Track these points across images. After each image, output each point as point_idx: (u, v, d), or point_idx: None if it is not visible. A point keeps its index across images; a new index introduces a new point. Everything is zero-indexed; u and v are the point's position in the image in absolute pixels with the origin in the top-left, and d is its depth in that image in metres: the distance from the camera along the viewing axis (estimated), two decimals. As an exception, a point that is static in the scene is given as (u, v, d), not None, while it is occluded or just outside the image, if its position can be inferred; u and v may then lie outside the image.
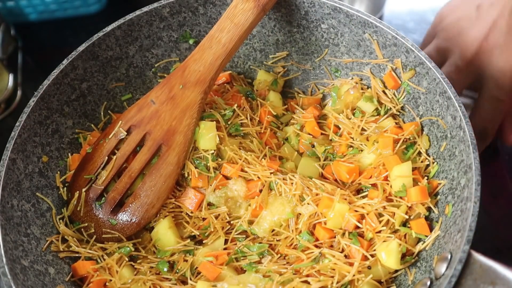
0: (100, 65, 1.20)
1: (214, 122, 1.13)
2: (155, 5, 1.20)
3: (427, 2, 1.83)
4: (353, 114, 1.20)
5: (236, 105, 1.18)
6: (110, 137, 1.14)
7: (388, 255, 0.99)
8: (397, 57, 1.13)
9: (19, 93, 1.55)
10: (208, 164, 1.11)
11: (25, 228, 1.02)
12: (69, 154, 1.17)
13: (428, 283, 0.93)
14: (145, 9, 1.20)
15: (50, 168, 1.13)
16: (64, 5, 1.69)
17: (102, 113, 1.24)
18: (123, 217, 1.10)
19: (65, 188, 1.14)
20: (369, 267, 1.01)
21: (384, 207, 1.04)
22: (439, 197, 1.05)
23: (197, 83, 1.12)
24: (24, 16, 1.72)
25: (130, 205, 1.10)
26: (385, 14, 1.79)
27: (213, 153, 1.11)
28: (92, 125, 1.23)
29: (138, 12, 1.19)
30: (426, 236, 1.02)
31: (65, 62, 1.14)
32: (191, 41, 1.28)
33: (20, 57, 1.64)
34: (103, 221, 1.11)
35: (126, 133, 1.13)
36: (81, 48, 1.15)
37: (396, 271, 1.03)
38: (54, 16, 1.73)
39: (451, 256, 0.90)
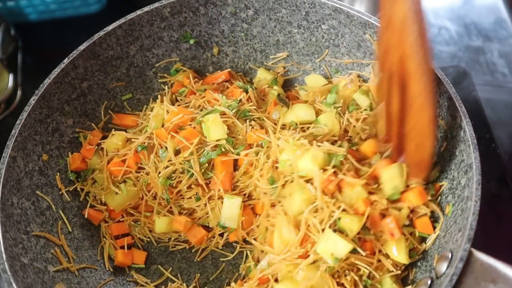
0: (101, 65, 1.20)
1: (217, 114, 1.13)
2: (156, 5, 1.20)
3: (427, 2, 1.83)
4: (348, 108, 1.20)
5: (241, 95, 1.19)
6: None
7: (399, 250, 0.98)
8: (397, 57, 1.14)
9: (19, 93, 1.55)
10: (227, 148, 1.12)
11: (24, 226, 1.02)
12: (69, 153, 1.17)
13: (429, 282, 0.93)
14: (146, 8, 1.20)
15: (50, 166, 1.13)
16: (64, 5, 1.69)
17: (102, 113, 1.24)
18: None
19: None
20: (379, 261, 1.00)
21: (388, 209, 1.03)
22: (439, 197, 1.05)
23: None
24: (24, 16, 1.71)
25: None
26: (385, 16, 1.79)
27: (226, 140, 1.12)
28: (93, 124, 1.22)
29: (139, 12, 1.19)
30: (429, 235, 1.02)
31: (66, 61, 1.14)
32: (191, 41, 1.28)
33: (20, 57, 1.64)
34: None
35: None
36: (82, 47, 1.16)
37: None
38: (54, 16, 1.73)
39: (452, 255, 0.90)
